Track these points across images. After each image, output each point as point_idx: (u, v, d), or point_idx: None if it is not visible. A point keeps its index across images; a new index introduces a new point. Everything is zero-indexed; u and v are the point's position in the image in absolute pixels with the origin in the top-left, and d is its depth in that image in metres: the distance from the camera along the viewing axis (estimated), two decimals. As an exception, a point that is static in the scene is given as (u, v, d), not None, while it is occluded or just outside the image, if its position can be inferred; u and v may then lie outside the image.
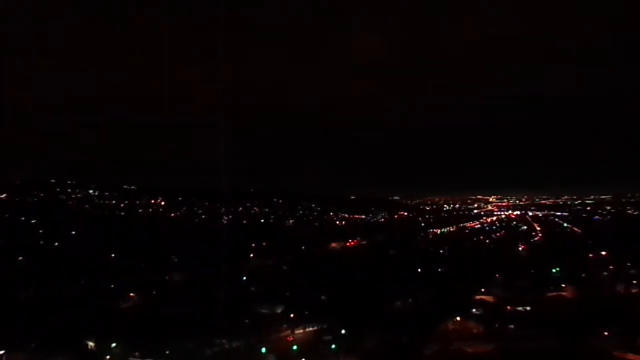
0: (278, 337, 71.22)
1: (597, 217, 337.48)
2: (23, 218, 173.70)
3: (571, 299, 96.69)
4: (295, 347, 66.04)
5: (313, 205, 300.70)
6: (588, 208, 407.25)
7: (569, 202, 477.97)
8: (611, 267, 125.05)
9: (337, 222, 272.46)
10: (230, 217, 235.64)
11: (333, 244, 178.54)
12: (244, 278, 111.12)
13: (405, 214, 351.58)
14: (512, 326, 76.68)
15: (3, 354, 58.26)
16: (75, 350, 62.20)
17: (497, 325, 77.35)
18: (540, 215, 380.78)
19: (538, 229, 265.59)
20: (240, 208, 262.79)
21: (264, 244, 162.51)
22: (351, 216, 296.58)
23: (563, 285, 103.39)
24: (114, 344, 63.18)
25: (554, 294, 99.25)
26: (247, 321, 76.50)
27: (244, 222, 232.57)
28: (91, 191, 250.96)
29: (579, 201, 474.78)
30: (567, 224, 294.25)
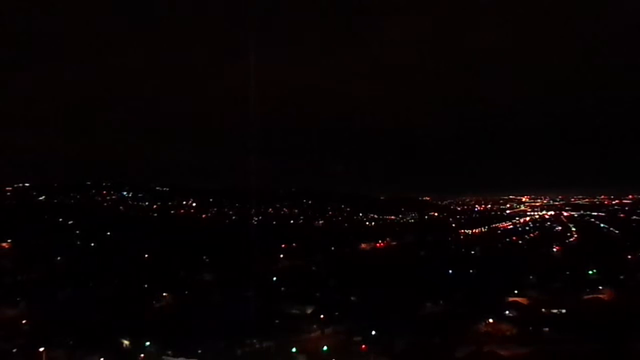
0: (308, 338, 71.33)
1: (635, 217, 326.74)
2: (61, 219, 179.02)
3: (609, 301, 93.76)
4: (325, 348, 66.03)
5: (343, 206, 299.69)
6: (626, 208, 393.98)
7: (605, 202, 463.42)
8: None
9: (367, 223, 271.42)
10: (260, 218, 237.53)
11: (363, 245, 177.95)
12: (274, 278, 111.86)
13: (436, 214, 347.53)
14: (547, 329, 74.84)
15: (43, 351, 60.09)
16: (111, 348, 63.67)
17: (531, 328, 75.57)
18: (576, 215, 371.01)
19: (573, 229, 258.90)
20: (270, 209, 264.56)
21: (293, 244, 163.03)
22: (381, 217, 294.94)
23: (600, 287, 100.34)
24: (147, 343, 64.40)
25: (591, 296, 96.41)
26: (277, 321, 76.95)
27: (274, 223, 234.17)
28: (125, 193, 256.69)
29: (617, 201, 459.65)
30: (604, 224, 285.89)
